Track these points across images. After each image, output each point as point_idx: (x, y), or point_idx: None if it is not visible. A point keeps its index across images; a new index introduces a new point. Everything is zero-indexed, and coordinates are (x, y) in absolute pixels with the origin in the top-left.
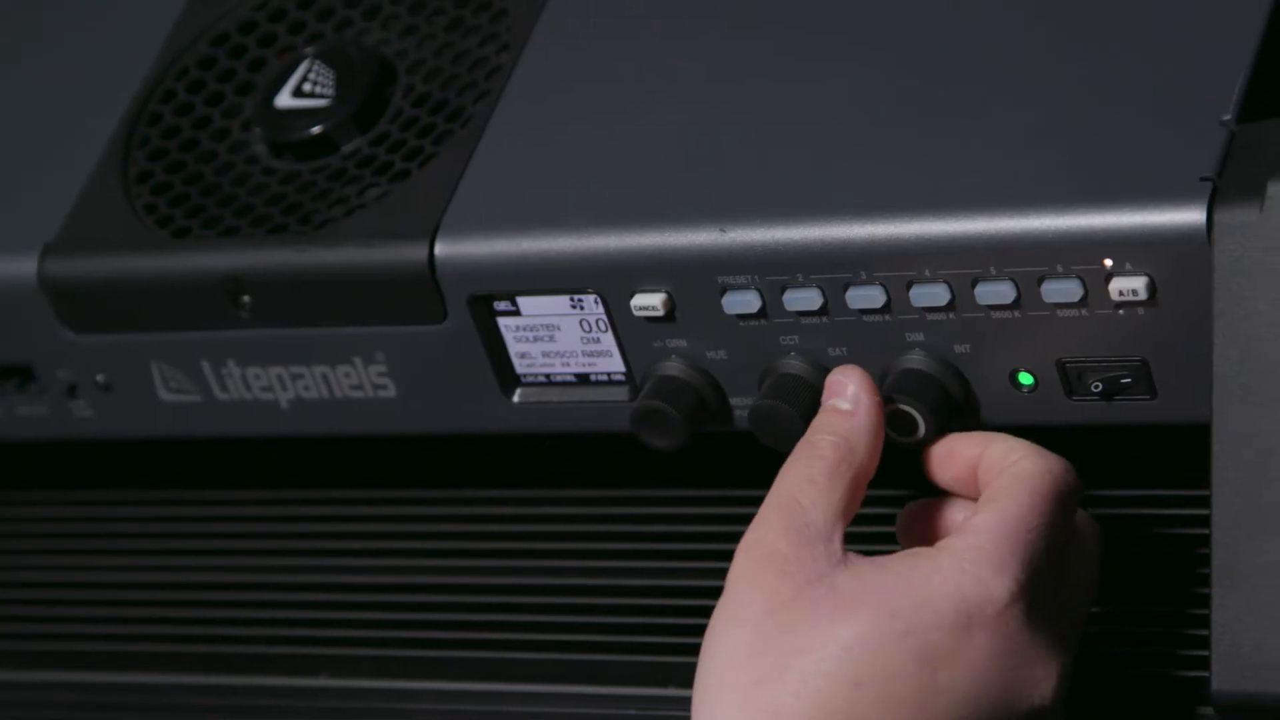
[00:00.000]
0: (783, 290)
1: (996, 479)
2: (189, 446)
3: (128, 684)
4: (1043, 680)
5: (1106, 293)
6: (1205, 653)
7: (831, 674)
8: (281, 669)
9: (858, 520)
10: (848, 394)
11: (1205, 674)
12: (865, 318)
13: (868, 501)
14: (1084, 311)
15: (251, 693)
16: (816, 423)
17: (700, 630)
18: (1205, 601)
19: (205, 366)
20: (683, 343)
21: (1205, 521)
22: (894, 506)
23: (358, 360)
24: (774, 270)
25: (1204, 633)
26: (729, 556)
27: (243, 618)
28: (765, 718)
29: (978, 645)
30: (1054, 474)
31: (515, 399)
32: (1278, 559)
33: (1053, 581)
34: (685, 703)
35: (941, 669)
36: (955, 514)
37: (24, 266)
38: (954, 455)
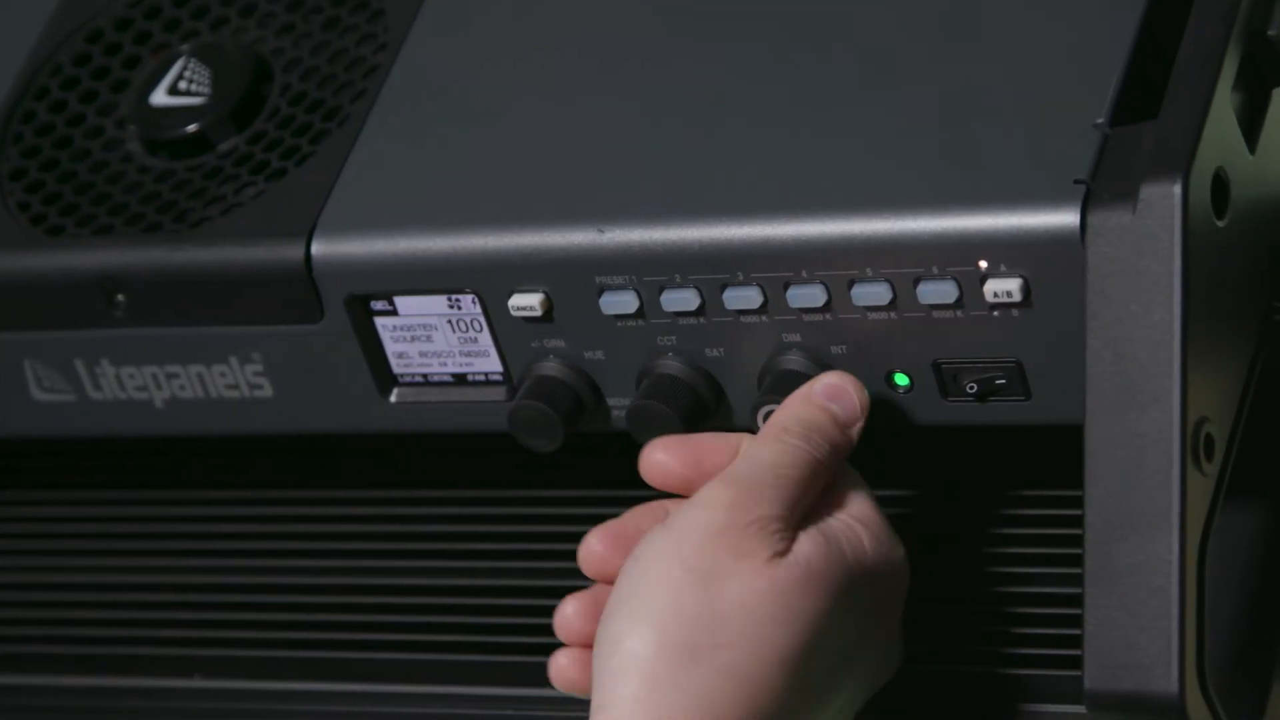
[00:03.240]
0: (660, 291)
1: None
2: (59, 446)
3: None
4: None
5: (981, 294)
6: (1078, 652)
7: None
8: (155, 670)
9: None
10: (848, 407)
11: (1078, 673)
12: (742, 318)
13: None
14: (959, 313)
15: (125, 694)
16: (815, 419)
17: None
18: (1078, 601)
19: (79, 366)
20: (560, 343)
21: (1078, 521)
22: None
23: (234, 360)
24: (651, 271)
25: (1077, 632)
26: None
27: (116, 619)
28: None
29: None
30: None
31: (393, 399)
32: (1150, 559)
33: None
34: (564, 702)
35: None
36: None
37: None
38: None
